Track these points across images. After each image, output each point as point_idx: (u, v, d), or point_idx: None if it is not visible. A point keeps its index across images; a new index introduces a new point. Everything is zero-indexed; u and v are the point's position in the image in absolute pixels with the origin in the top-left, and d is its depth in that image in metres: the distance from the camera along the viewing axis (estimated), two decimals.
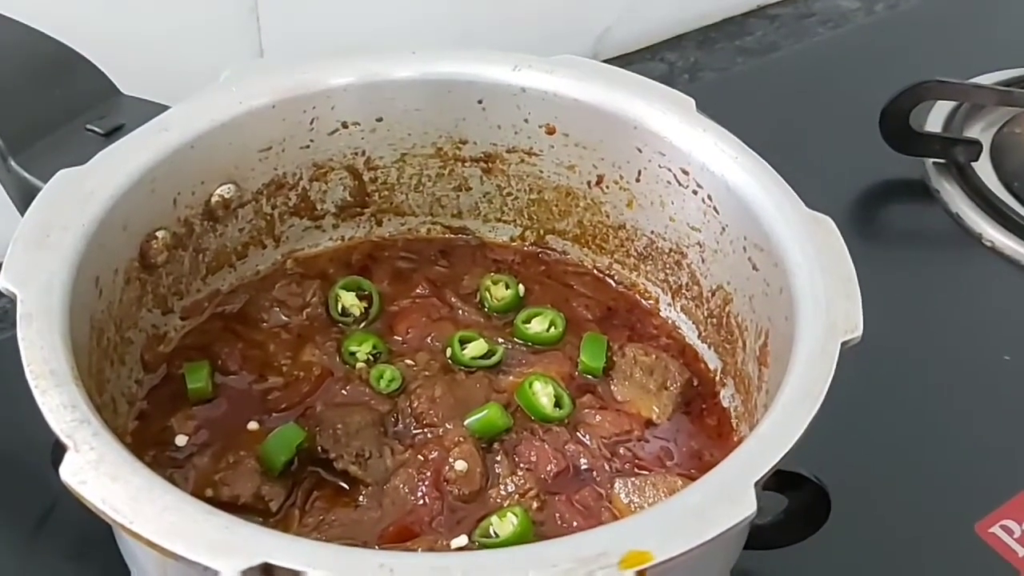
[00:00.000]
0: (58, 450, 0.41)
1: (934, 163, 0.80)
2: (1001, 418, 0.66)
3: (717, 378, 0.56)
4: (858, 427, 0.61)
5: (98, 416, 0.42)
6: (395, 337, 0.57)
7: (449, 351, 0.56)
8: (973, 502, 0.61)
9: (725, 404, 0.55)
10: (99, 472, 0.39)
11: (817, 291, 0.48)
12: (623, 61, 0.92)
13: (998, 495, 0.61)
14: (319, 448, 0.51)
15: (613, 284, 0.61)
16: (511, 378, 0.55)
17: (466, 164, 0.60)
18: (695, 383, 0.56)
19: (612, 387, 0.55)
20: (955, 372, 0.68)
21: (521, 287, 0.59)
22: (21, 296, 0.45)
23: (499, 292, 0.59)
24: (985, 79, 0.84)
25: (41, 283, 0.46)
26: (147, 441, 0.52)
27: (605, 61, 0.88)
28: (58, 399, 0.42)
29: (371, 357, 0.55)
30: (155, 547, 0.38)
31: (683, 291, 0.58)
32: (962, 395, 0.67)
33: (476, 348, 0.56)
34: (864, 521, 0.59)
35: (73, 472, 0.39)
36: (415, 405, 0.53)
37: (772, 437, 0.43)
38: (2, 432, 0.62)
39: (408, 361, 0.55)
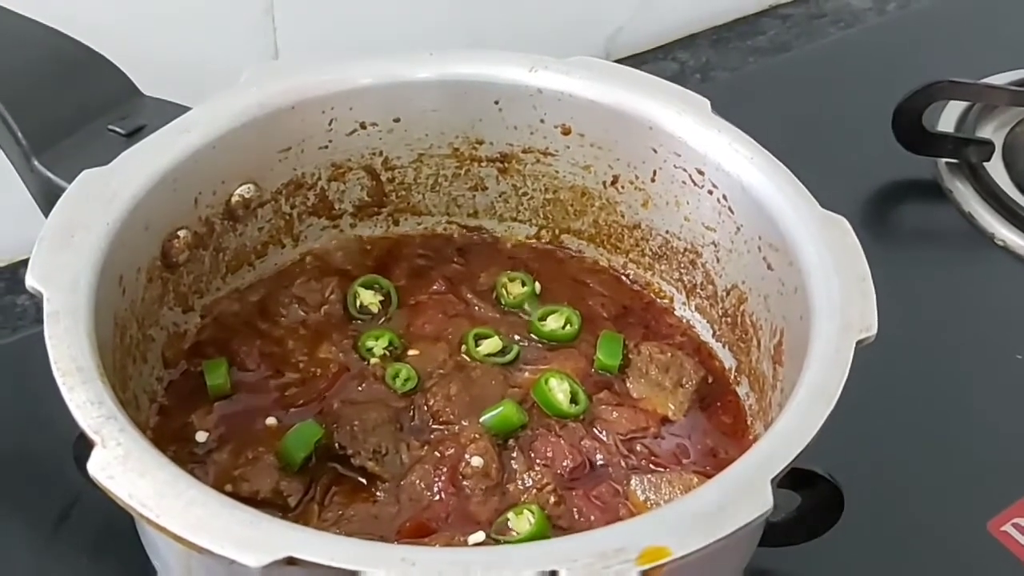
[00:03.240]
0: (82, 446, 0.42)
1: (946, 163, 0.80)
2: (1013, 417, 0.66)
3: (732, 376, 0.57)
4: (871, 426, 0.61)
5: (124, 412, 0.42)
6: (411, 333, 0.57)
7: (464, 348, 0.56)
8: (985, 500, 0.61)
9: (740, 402, 0.56)
10: (126, 467, 0.40)
11: (832, 290, 0.48)
12: (635, 61, 0.92)
13: (1010, 493, 0.62)
14: (336, 445, 0.51)
15: (628, 283, 0.61)
16: (527, 375, 0.55)
17: (482, 164, 0.61)
18: (710, 381, 0.56)
19: (628, 384, 0.55)
20: (968, 371, 0.68)
21: (537, 284, 0.60)
22: (47, 295, 0.46)
23: (515, 289, 0.59)
24: (998, 79, 0.84)
25: (66, 282, 0.46)
26: (168, 437, 0.52)
27: (617, 61, 0.89)
28: (85, 395, 0.42)
29: (387, 352, 0.56)
30: (181, 541, 0.38)
31: (698, 290, 0.59)
32: (975, 394, 0.67)
33: (491, 345, 0.56)
34: (877, 519, 0.59)
35: (101, 467, 0.40)
36: (431, 402, 0.54)
37: (787, 435, 0.43)
38: (23, 429, 0.63)
39: (415, 352, 0.56)
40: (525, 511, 0.49)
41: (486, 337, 0.56)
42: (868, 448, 0.62)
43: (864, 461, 0.60)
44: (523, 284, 0.60)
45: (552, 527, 0.49)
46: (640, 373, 0.55)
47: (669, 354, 0.56)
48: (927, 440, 0.64)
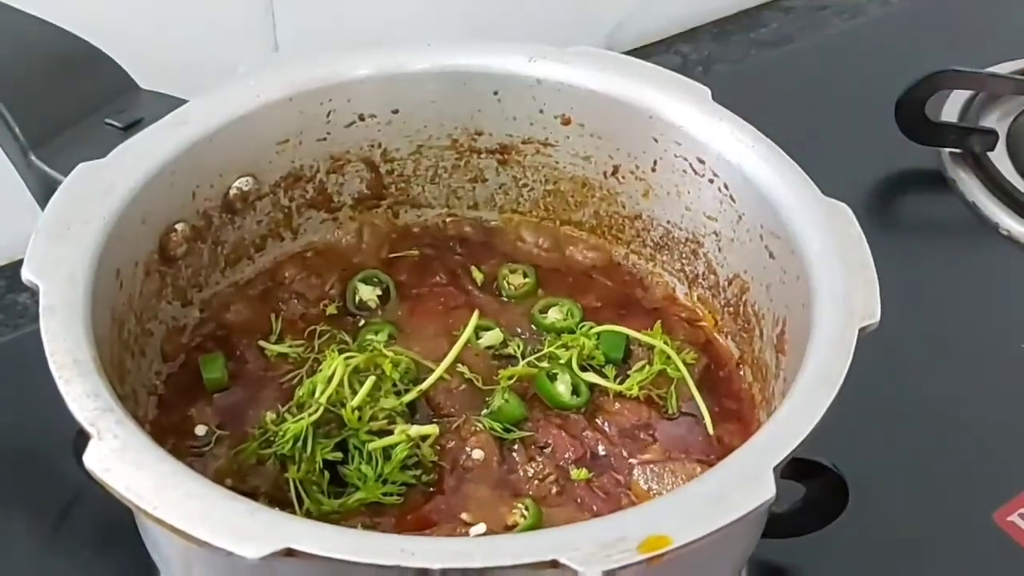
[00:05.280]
0: (81, 440, 0.42)
1: (950, 153, 0.80)
2: (1018, 406, 0.66)
3: (735, 366, 0.56)
4: (875, 416, 0.61)
5: (121, 405, 0.42)
6: (412, 325, 0.57)
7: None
8: (991, 490, 0.61)
9: (743, 391, 0.55)
10: (123, 460, 0.40)
11: (834, 278, 0.48)
12: (638, 54, 0.91)
13: (1016, 483, 0.61)
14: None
15: (630, 273, 0.61)
16: (528, 367, 0.55)
17: (482, 155, 0.61)
18: (713, 369, 0.56)
19: (630, 374, 0.55)
20: (972, 360, 0.68)
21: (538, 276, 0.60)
22: (44, 288, 0.45)
23: (516, 280, 0.59)
24: (1001, 68, 0.83)
25: (63, 275, 0.46)
26: (166, 430, 0.52)
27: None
28: (81, 388, 0.42)
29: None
30: (179, 533, 0.38)
31: (700, 280, 0.59)
32: (979, 383, 0.67)
33: (492, 337, 0.56)
34: (882, 510, 0.59)
35: (97, 460, 0.40)
36: (431, 395, 0.53)
37: (790, 423, 0.43)
38: (23, 427, 0.63)
39: (415, 344, 0.55)
40: (519, 505, 0.48)
41: (487, 329, 0.56)
42: (872, 438, 0.61)
43: (869, 451, 0.60)
44: (524, 275, 0.59)
45: (553, 518, 0.48)
46: (643, 363, 0.55)
47: (672, 344, 0.55)
48: (931, 430, 0.64)
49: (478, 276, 0.60)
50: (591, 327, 0.56)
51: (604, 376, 0.54)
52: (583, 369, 0.54)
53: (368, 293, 0.58)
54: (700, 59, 0.93)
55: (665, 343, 0.55)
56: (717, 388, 0.55)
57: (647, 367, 0.54)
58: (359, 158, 0.59)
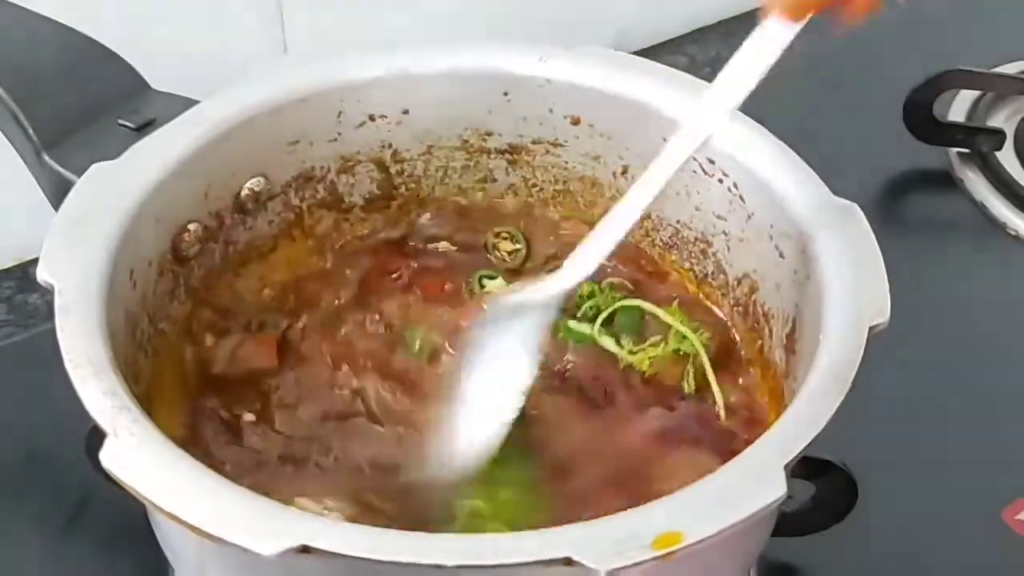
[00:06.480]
0: (95, 438, 0.42)
1: (958, 152, 0.80)
2: None
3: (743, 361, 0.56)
4: (884, 414, 0.61)
5: (136, 403, 0.42)
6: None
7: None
8: (1000, 489, 0.61)
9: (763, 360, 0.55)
10: (138, 457, 0.40)
11: (844, 277, 0.48)
12: (645, 55, 0.91)
13: None
14: None
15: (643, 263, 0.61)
16: None
17: (491, 156, 0.61)
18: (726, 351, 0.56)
19: (645, 347, 0.55)
20: (980, 360, 0.68)
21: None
22: (59, 287, 0.46)
23: (507, 247, 0.60)
24: (1008, 68, 0.83)
25: (78, 275, 0.46)
26: None
27: None
28: (97, 387, 0.42)
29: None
30: (194, 530, 0.38)
31: (709, 280, 0.59)
32: (987, 382, 0.67)
33: (495, 286, 0.57)
34: (891, 508, 0.59)
35: (113, 457, 0.40)
36: None
37: (801, 421, 0.43)
38: (34, 426, 0.63)
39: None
40: None
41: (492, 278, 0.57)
42: (882, 437, 0.61)
43: (878, 450, 0.60)
44: (515, 242, 0.60)
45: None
46: (657, 339, 0.55)
47: (689, 324, 0.55)
48: (940, 428, 0.64)
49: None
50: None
51: (620, 345, 0.54)
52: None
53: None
54: (707, 59, 0.93)
55: (681, 322, 0.54)
56: (730, 371, 0.55)
57: (663, 345, 0.54)
58: (369, 158, 0.60)
